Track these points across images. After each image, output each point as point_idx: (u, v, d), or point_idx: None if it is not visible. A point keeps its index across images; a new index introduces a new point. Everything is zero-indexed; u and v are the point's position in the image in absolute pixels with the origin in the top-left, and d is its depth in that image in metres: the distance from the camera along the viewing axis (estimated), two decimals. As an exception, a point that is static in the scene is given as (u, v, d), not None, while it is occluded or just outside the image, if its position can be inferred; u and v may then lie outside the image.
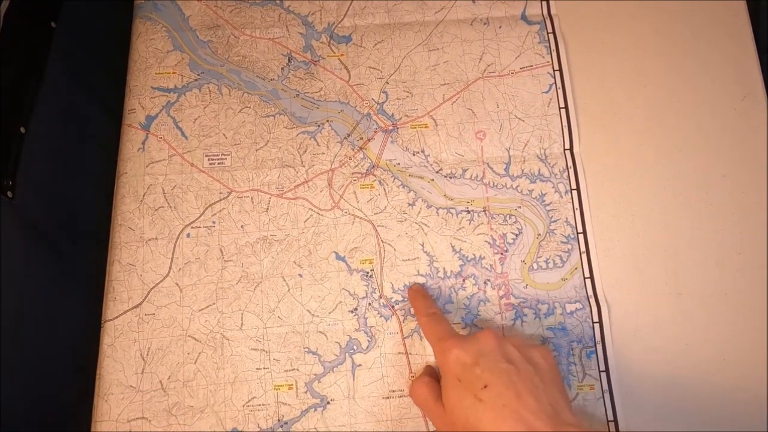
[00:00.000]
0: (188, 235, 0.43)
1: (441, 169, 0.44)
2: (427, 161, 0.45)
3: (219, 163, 0.44)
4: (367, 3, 0.49)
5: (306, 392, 0.40)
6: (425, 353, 0.40)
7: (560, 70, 0.47)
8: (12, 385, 0.41)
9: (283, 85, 0.46)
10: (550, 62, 0.47)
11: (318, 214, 0.43)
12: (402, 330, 0.41)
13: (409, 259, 0.42)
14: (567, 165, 0.44)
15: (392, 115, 0.46)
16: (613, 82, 0.46)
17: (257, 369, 0.40)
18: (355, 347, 0.41)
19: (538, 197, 0.44)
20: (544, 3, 0.48)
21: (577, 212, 0.43)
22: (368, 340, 0.41)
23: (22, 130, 0.43)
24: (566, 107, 0.46)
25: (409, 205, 0.44)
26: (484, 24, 0.48)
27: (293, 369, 0.40)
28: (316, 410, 0.39)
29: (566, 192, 0.44)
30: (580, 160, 0.45)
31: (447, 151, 0.45)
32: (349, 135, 0.45)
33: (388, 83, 0.46)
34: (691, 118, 0.45)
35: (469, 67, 0.47)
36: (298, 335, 0.41)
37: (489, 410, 0.31)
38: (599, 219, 0.43)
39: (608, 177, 0.44)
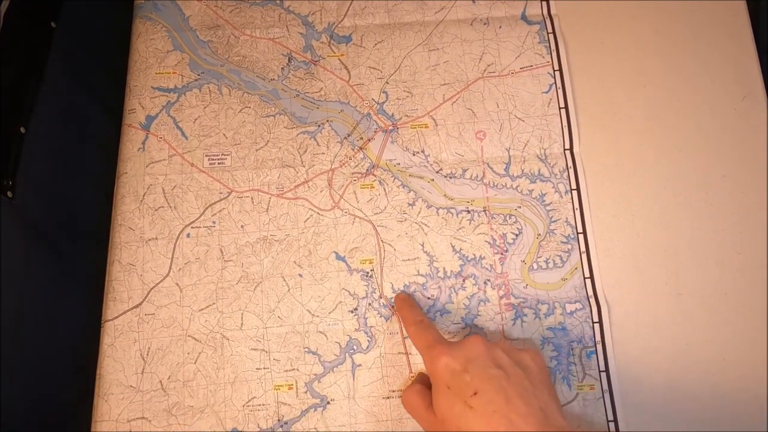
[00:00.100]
0: (188, 235, 0.43)
1: (441, 169, 0.44)
2: (427, 161, 0.45)
3: (219, 163, 0.44)
4: (367, 3, 0.49)
5: (306, 392, 0.40)
6: (425, 353, 0.40)
7: (560, 70, 0.47)
8: (12, 385, 0.41)
9: (283, 85, 0.46)
10: (550, 62, 0.47)
11: (318, 214, 0.43)
12: (402, 330, 0.41)
13: (409, 259, 0.42)
14: (567, 165, 0.44)
15: (392, 115, 0.46)
16: (613, 82, 0.47)
17: (257, 369, 0.40)
18: (355, 347, 0.41)
19: (538, 197, 0.44)
20: (544, 3, 0.48)
21: (577, 212, 0.43)
22: (368, 340, 0.41)
23: (22, 130, 0.43)
24: (566, 107, 0.46)
25: (409, 205, 0.44)
26: (484, 24, 0.48)
27: (293, 369, 0.40)
28: (316, 410, 0.39)
29: (566, 192, 0.44)
30: (580, 160, 0.45)
31: (447, 151, 0.45)
32: (349, 135, 0.45)
33: (388, 83, 0.46)
34: (691, 118, 0.45)
35: (469, 67, 0.47)
36: (298, 335, 0.41)
37: (479, 417, 0.31)
38: (599, 219, 0.43)
39: (608, 177, 0.44)
